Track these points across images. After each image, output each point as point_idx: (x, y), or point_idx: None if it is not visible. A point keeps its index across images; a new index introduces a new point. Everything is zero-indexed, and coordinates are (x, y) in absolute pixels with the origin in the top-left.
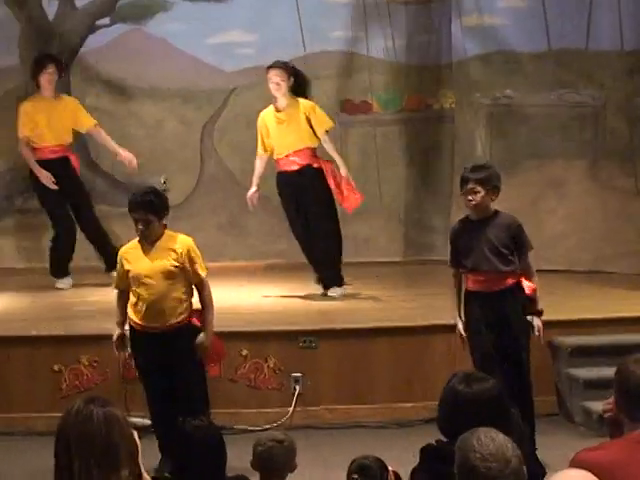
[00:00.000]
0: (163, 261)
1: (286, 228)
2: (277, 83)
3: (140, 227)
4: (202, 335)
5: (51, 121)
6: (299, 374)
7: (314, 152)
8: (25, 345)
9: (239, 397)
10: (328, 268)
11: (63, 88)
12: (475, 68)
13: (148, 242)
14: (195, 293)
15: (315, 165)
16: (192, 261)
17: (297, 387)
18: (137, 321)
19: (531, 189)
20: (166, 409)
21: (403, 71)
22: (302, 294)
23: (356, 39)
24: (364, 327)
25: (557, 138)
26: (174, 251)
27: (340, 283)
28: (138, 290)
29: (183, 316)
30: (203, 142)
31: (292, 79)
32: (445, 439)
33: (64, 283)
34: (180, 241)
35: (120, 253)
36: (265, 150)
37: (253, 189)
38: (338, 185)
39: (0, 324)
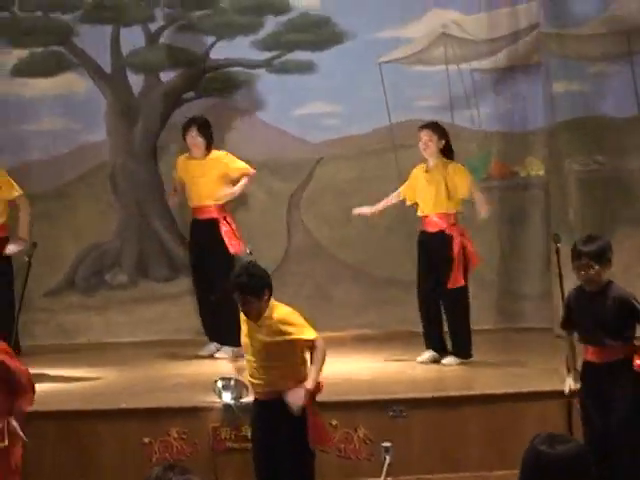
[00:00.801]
0: (264, 335)
1: (375, 298)
2: (425, 143)
3: (241, 307)
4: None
5: (197, 180)
6: (389, 444)
7: (450, 217)
8: (115, 418)
9: (329, 468)
10: (455, 335)
11: (149, 161)
12: (564, 134)
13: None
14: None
15: (448, 232)
16: (288, 331)
17: (387, 457)
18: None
19: (624, 255)
20: None
21: (489, 139)
22: (391, 363)
23: (441, 108)
24: (454, 395)
25: None
26: (273, 324)
27: (462, 354)
28: (248, 358)
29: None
30: (290, 213)
31: (443, 141)
32: None
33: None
34: (277, 312)
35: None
36: (405, 194)
37: (371, 209)
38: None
39: (89, 398)
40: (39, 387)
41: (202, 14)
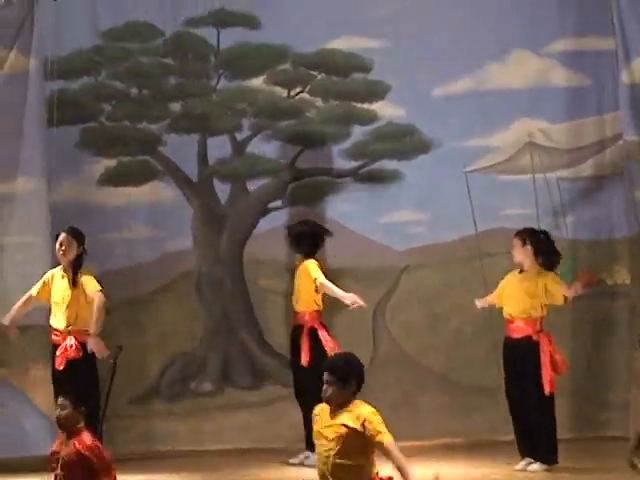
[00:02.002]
0: (340, 428)
1: (461, 405)
2: (517, 249)
3: (324, 390)
4: None
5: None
6: None
7: (537, 323)
8: None
9: None
10: (542, 442)
11: (235, 269)
12: None
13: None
14: None
15: (535, 337)
16: (367, 427)
17: None
18: None
19: None
20: None
21: (575, 246)
22: (479, 470)
23: (527, 216)
24: None
25: None
26: (351, 417)
27: (549, 460)
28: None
29: None
30: (376, 320)
31: (533, 248)
32: None
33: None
34: (360, 409)
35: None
36: (494, 299)
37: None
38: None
39: None
40: None
41: (288, 123)
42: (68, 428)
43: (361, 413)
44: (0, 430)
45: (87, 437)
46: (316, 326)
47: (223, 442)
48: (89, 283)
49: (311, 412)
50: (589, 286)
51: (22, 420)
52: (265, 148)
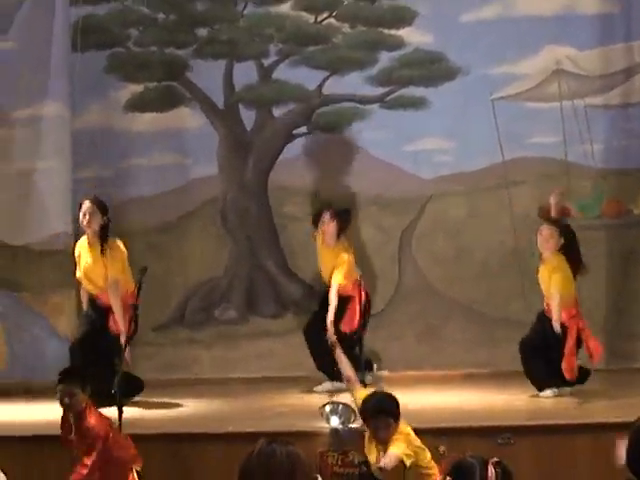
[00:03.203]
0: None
1: (487, 336)
2: (545, 238)
3: (375, 431)
4: None
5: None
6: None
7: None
8: (220, 442)
9: None
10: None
11: (261, 197)
12: None
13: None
14: None
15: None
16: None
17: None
18: None
19: None
20: None
21: (602, 176)
22: (501, 396)
23: (554, 144)
24: (563, 423)
25: None
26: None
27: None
28: None
29: None
30: (402, 250)
31: (562, 239)
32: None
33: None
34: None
35: None
36: None
37: None
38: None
39: (194, 422)
40: (145, 412)
41: (315, 49)
42: (74, 412)
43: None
44: (21, 353)
45: (93, 417)
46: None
47: (246, 370)
48: (113, 265)
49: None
50: (616, 216)
51: (43, 345)
52: (292, 74)
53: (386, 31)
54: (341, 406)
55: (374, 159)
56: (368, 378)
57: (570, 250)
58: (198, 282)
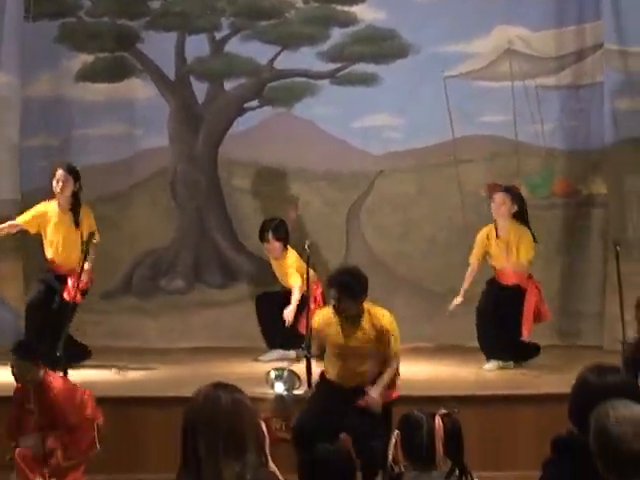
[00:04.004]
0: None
1: (433, 311)
2: (498, 204)
3: (336, 305)
4: None
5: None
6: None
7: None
8: (165, 405)
9: None
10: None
11: (210, 169)
12: (626, 152)
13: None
14: None
15: (523, 286)
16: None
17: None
18: None
19: None
20: None
21: (552, 156)
22: (446, 368)
23: (505, 123)
24: (507, 394)
25: None
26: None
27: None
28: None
29: None
30: (349, 224)
31: (515, 206)
32: (576, 429)
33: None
34: (378, 318)
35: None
36: (477, 259)
37: (459, 300)
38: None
39: (139, 387)
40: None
41: (268, 24)
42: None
43: (381, 323)
44: None
45: (55, 382)
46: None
47: (193, 340)
48: (88, 224)
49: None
50: (566, 196)
51: None
52: (243, 48)
53: (339, 7)
54: (286, 372)
55: (324, 134)
56: None
57: (522, 218)
58: (146, 252)
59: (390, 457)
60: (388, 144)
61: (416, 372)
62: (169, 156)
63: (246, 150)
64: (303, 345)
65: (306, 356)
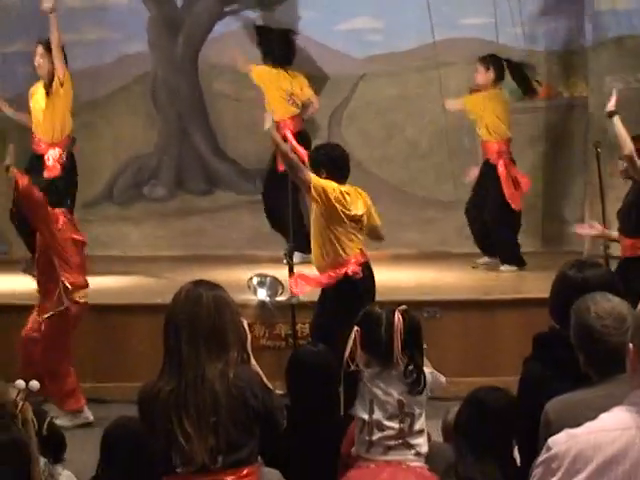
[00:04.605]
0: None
1: (416, 218)
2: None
3: None
4: None
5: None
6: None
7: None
8: (147, 312)
9: None
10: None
11: (191, 74)
12: (607, 52)
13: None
14: None
15: (492, 161)
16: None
17: (426, 360)
18: None
19: None
20: None
21: (532, 57)
22: (428, 273)
23: (486, 26)
24: (489, 298)
25: None
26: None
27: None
28: None
29: None
30: (331, 129)
31: (492, 73)
32: (557, 325)
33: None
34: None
35: None
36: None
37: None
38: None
39: (125, 294)
40: None
41: None
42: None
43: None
44: None
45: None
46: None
47: (175, 248)
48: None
49: None
50: (547, 99)
51: None
52: None
53: None
54: (269, 279)
55: (305, 38)
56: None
57: (500, 77)
58: (128, 159)
59: (347, 353)
60: (370, 47)
61: (399, 277)
62: (149, 62)
63: (226, 54)
64: (285, 251)
65: (288, 262)
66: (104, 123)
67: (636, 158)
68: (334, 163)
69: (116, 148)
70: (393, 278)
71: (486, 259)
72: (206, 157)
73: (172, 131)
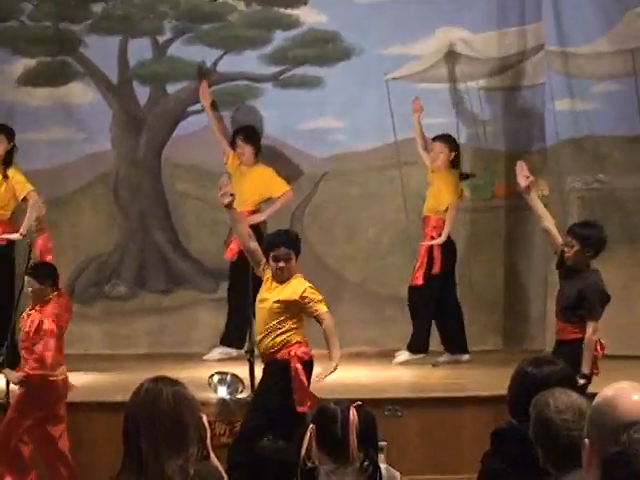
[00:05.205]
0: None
1: (376, 316)
2: (437, 154)
3: (279, 264)
4: None
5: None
6: (384, 443)
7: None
8: (108, 410)
9: None
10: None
11: (153, 173)
12: (567, 153)
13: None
14: None
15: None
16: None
17: (381, 456)
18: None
19: (623, 272)
20: None
21: (494, 158)
22: (388, 372)
23: (447, 125)
24: (450, 396)
25: None
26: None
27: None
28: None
29: None
30: (293, 227)
31: (454, 154)
32: (515, 421)
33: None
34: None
35: None
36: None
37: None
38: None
39: (86, 392)
40: None
41: (210, 27)
42: None
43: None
44: None
45: None
46: None
47: (136, 346)
48: (21, 181)
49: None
50: (508, 198)
51: None
52: (186, 51)
53: (281, 10)
54: (229, 376)
55: (268, 138)
56: None
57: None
58: (89, 257)
59: (303, 451)
60: (332, 146)
61: (360, 375)
62: (112, 160)
63: (189, 154)
64: (245, 349)
65: (249, 359)
66: (66, 222)
67: (551, 229)
68: None
69: (78, 246)
70: (354, 376)
71: (446, 356)
72: (168, 255)
73: (134, 229)
